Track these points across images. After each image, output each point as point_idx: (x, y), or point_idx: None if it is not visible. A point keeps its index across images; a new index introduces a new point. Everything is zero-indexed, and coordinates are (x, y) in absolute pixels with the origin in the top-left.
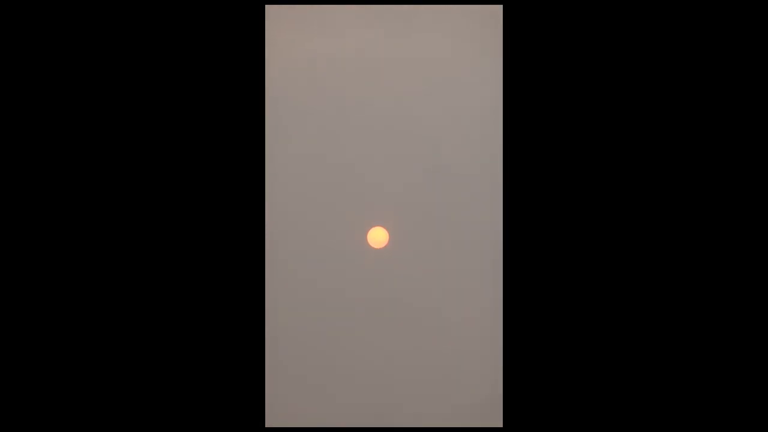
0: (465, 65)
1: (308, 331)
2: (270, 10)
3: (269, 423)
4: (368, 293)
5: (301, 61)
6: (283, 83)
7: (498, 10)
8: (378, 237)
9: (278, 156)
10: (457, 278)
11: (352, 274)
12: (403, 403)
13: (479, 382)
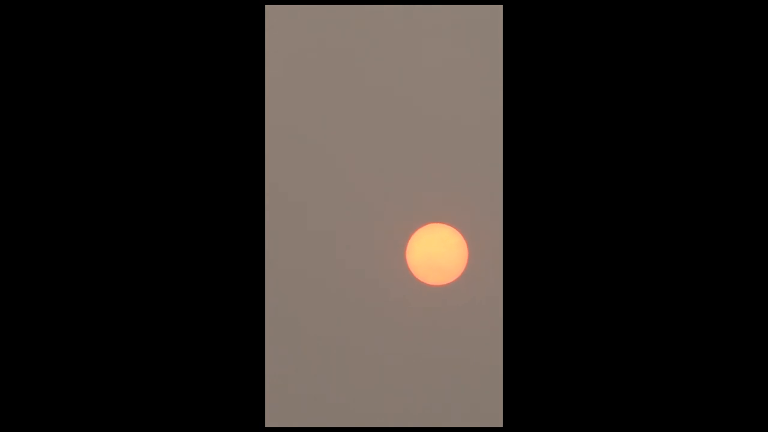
0: (465, 65)
1: (308, 331)
2: (270, 10)
3: (269, 423)
4: (368, 294)
5: (301, 61)
6: (283, 83)
7: (498, 10)
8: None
9: (278, 155)
10: (456, 279)
11: (352, 275)
12: (403, 404)
13: (479, 383)
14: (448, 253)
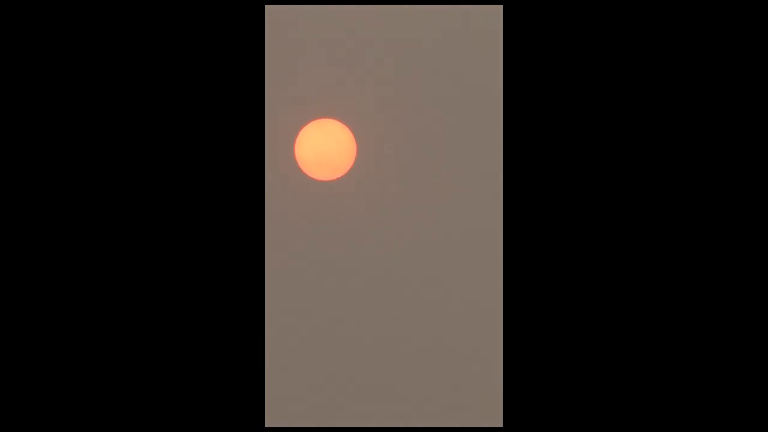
0: (465, 65)
1: (308, 331)
2: (270, 10)
3: (269, 423)
4: (369, 294)
5: (301, 61)
6: (283, 83)
7: (498, 10)
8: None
9: (278, 155)
10: (456, 280)
11: (353, 274)
12: (402, 403)
13: (479, 383)
14: (336, 148)
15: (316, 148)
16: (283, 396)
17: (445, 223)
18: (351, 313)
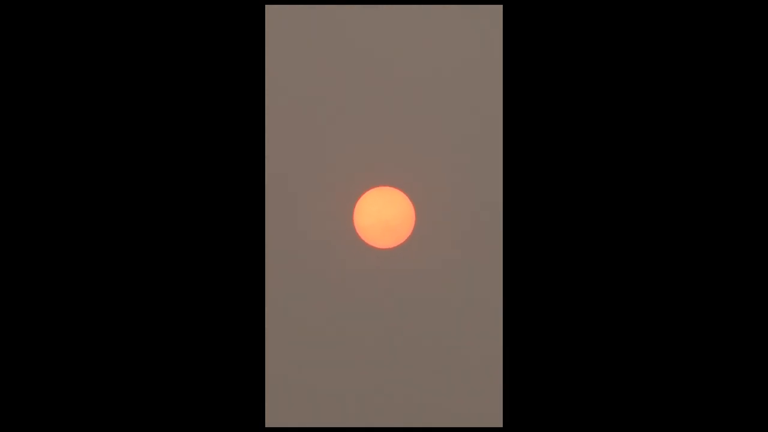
0: (465, 65)
1: (308, 331)
2: (270, 10)
3: (269, 423)
4: (369, 295)
5: (300, 60)
6: (283, 83)
7: (498, 10)
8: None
9: (278, 155)
10: (457, 280)
11: (353, 274)
12: (403, 404)
13: (479, 383)
14: (395, 216)
15: (378, 216)
16: (283, 396)
17: (442, 221)
18: (351, 314)
